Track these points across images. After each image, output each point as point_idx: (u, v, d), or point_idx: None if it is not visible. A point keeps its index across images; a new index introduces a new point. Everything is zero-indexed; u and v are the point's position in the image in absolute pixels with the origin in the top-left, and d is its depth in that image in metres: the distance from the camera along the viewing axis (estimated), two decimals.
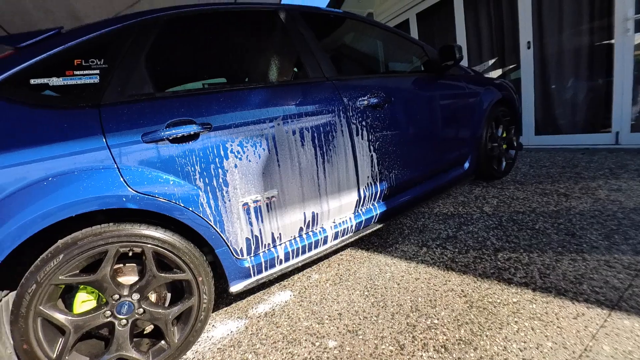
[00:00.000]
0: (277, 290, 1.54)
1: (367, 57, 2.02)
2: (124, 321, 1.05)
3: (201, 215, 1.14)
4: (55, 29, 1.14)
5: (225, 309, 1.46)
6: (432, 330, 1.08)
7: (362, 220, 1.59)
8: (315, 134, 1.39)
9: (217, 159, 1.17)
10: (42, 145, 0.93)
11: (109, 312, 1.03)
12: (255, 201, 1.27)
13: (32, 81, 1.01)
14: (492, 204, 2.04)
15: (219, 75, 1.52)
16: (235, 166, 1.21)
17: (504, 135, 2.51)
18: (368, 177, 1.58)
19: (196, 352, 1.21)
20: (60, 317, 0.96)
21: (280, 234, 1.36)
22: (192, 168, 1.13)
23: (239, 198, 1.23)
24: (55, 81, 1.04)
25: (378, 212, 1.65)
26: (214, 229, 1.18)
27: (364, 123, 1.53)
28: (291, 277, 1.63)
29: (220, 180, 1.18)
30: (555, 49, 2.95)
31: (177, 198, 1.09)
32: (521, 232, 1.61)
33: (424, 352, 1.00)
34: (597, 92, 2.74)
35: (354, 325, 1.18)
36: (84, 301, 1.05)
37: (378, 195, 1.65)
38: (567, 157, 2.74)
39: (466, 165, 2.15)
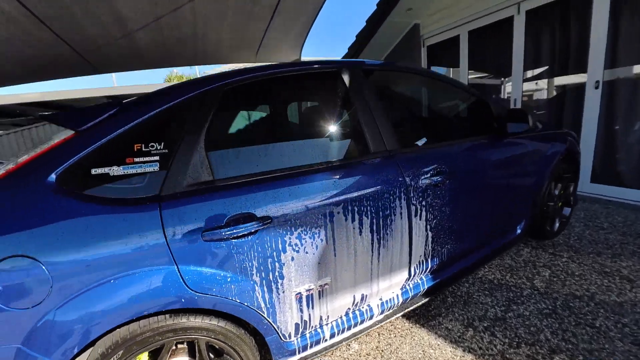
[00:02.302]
0: (319, 357, 1.53)
1: (432, 117, 1.89)
2: None
3: (255, 309, 1.13)
4: (115, 106, 1.07)
5: None
6: None
7: (409, 296, 1.54)
8: (375, 219, 1.32)
9: (274, 253, 1.14)
10: (105, 246, 0.91)
11: None
12: (308, 289, 1.24)
13: (93, 171, 0.97)
14: (544, 277, 1.91)
15: (278, 154, 1.30)
16: (292, 259, 1.17)
17: (562, 192, 2.32)
18: (420, 255, 1.51)
19: None
20: None
21: (328, 315, 1.33)
22: (250, 263, 1.10)
23: (293, 288, 1.20)
24: (116, 170, 0.99)
25: (426, 286, 1.59)
26: (267, 319, 1.17)
27: (423, 203, 1.44)
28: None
29: (277, 273, 1.15)
30: (628, 91, 2.65)
31: (233, 295, 1.08)
32: (579, 328, 1.50)
33: None
34: None
35: None
36: None
37: (428, 270, 1.58)
38: (629, 218, 2.51)
39: (519, 229, 2.01)
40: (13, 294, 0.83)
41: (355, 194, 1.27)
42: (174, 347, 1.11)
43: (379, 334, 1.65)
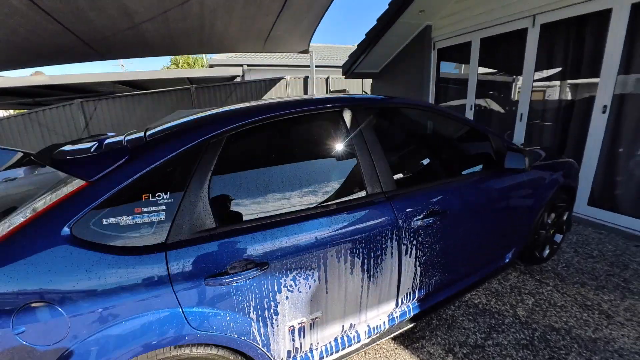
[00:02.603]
0: None
1: (431, 153, 1.90)
2: None
3: (251, 341, 1.23)
4: (125, 155, 1.11)
5: None
6: None
7: (395, 323, 1.64)
8: (366, 260, 1.40)
9: (270, 294, 1.23)
10: (117, 291, 0.99)
11: None
12: (300, 323, 1.34)
13: (104, 220, 1.03)
14: (527, 306, 2.00)
15: (276, 199, 1.31)
16: (287, 298, 1.27)
17: (555, 220, 2.37)
18: (408, 288, 1.60)
19: None
20: None
21: (318, 342, 1.44)
22: (247, 303, 1.20)
23: (287, 322, 1.31)
24: (125, 220, 1.05)
25: (412, 313, 1.68)
26: (261, 349, 1.28)
27: (414, 242, 1.51)
28: None
29: (272, 311, 1.25)
30: (635, 118, 2.62)
31: (232, 331, 1.18)
32: None
33: None
34: None
35: None
36: None
37: (415, 299, 1.67)
38: (619, 248, 2.56)
39: (507, 258, 2.09)
40: (38, 334, 0.94)
41: (349, 237, 1.34)
42: None
43: (365, 354, 1.77)
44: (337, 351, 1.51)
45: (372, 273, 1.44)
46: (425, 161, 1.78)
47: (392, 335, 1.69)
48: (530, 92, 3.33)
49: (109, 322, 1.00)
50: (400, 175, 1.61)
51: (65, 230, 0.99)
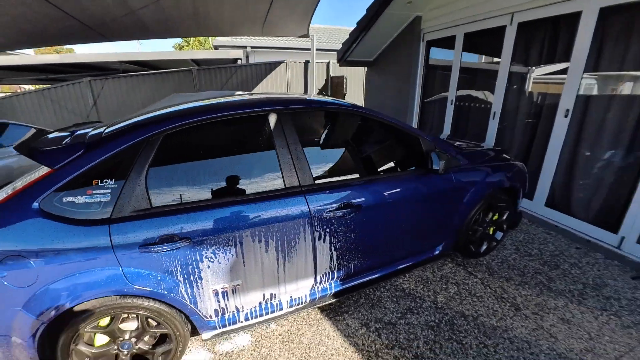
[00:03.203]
0: (241, 331, 1.99)
1: (353, 153, 2.08)
2: (125, 353, 1.57)
3: (179, 298, 1.54)
4: (81, 148, 1.41)
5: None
6: None
7: (316, 297, 1.91)
8: (279, 242, 1.66)
9: (193, 262, 1.52)
10: (72, 251, 1.32)
11: (116, 347, 1.55)
12: (223, 288, 1.64)
13: (64, 199, 1.36)
14: (449, 294, 2.23)
15: (205, 185, 1.58)
16: (208, 267, 1.56)
17: (495, 218, 2.52)
18: (326, 268, 1.86)
19: None
20: (85, 350, 1.49)
21: (242, 306, 1.74)
22: (174, 268, 1.49)
23: (210, 286, 1.60)
24: (79, 199, 1.38)
25: (333, 290, 1.95)
26: (189, 305, 1.59)
27: (327, 230, 1.75)
28: None
29: (196, 276, 1.55)
30: (597, 123, 2.65)
31: (162, 288, 1.48)
32: (448, 342, 1.84)
33: None
34: (622, 183, 2.53)
35: None
36: (100, 343, 1.56)
37: (334, 278, 1.93)
38: (559, 248, 2.69)
39: (437, 251, 2.29)
40: (16, 278, 1.28)
41: (262, 223, 1.59)
42: (125, 316, 1.57)
43: (294, 320, 2.07)
44: (261, 315, 1.81)
45: (287, 253, 1.70)
46: (347, 160, 1.97)
47: (316, 306, 1.98)
48: (504, 91, 3.35)
49: (67, 273, 1.33)
50: (322, 171, 1.82)
51: (35, 205, 1.31)
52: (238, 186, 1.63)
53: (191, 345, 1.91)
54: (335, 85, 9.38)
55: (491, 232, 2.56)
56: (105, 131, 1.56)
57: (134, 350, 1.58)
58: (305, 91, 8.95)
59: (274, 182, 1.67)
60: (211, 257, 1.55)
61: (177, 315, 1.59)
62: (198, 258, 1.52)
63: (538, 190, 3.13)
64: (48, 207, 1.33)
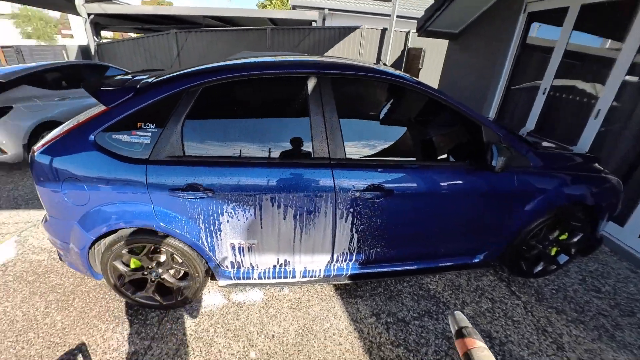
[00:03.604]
0: (256, 288, 2.09)
1: (396, 131, 1.83)
2: (153, 279, 1.79)
3: (199, 244, 1.66)
4: (132, 91, 1.52)
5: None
6: None
7: (331, 274, 1.88)
8: (299, 212, 1.62)
9: (215, 214, 1.59)
10: (116, 182, 1.50)
11: (145, 272, 1.77)
12: (239, 244, 1.70)
13: (113, 136, 1.51)
14: (479, 308, 1.97)
15: (233, 142, 1.59)
16: (228, 221, 1.61)
17: (562, 238, 2.08)
18: (344, 248, 1.78)
19: (190, 307, 1.93)
20: (122, 268, 1.73)
21: (257, 264, 1.81)
22: (197, 215, 1.59)
23: (228, 240, 1.68)
24: (125, 138, 1.52)
25: (350, 272, 1.89)
26: (208, 252, 1.70)
27: (351, 210, 1.64)
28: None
29: (216, 227, 1.63)
30: None
31: (185, 231, 1.61)
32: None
33: None
34: None
35: (272, 353, 1.66)
36: (134, 265, 1.79)
37: (353, 260, 1.85)
38: None
39: (477, 258, 2.01)
40: (72, 197, 1.51)
41: (283, 190, 1.56)
42: (155, 248, 1.76)
43: (307, 290, 2.09)
44: (274, 277, 1.86)
45: (305, 224, 1.66)
46: (387, 139, 1.75)
47: (330, 283, 1.96)
48: (619, 84, 2.56)
49: (109, 201, 1.53)
50: (357, 147, 1.67)
51: (91, 137, 1.50)
52: (265, 148, 1.60)
53: (211, 288, 2.09)
54: (411, 58, 8.53)
55: (553, 253, 2.14)
56: (155, 79, 1.65)
57: (160, 279, 1.79)
58: (378, 61, 8.39)
59: (302, 149, 1.60)
60: (231, 213, 1.59)
61: (197, 258, 1.72)
62: (219, 211, 1.58)
63: (634, 216, 2.46)
64: (101, 141, 1.50)
